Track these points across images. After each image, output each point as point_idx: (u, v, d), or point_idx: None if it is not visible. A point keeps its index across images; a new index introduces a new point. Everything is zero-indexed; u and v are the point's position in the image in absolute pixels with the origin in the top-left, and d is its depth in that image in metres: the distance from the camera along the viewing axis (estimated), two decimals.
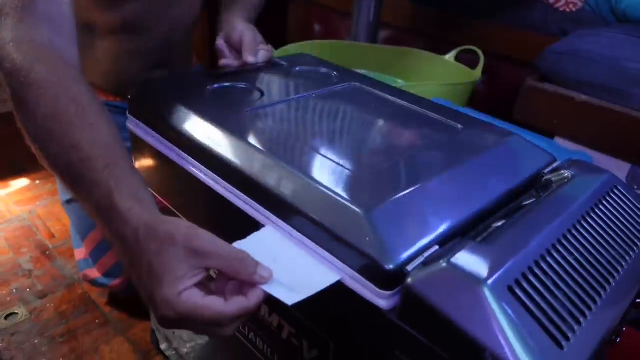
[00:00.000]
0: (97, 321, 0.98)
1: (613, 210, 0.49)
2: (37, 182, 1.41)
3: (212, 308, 0.39)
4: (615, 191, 0.52)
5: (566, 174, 0.53)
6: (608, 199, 0.50)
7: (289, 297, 0.40)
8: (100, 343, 0.93)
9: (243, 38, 0.77)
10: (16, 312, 0.98)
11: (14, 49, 0.48)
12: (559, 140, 1.05)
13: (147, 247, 0.40)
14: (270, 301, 0.44)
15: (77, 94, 0.47)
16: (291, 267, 0.44)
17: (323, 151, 0.52)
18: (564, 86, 1.04)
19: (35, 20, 0.50)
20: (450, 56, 1.37)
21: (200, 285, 0.40)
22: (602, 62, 0.99)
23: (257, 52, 0.76)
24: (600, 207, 0.49)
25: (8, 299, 1.02)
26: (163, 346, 0.88)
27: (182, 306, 0.38)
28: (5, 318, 0.97)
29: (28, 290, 1.04)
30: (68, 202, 0.94)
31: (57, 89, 0.46)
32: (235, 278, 0.41)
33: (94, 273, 0.95)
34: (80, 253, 0.98)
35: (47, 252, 1.16)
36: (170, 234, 0.40)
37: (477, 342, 0.34)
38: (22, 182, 1.41)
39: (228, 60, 0.77)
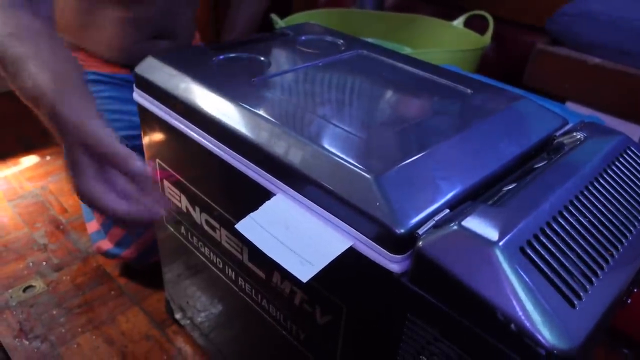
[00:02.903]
0: (112, 292, 1.00)
1: (626, 172, 0.49)
2: (48, 158, 1.43)
3: (104, 203, 0.50)
4: (629, 152, 0.51)
5: (578, 136, 0.52)
6: (621, 160, 0.50)
7: (303, 272, 0.41)
8: (116, 313, 0.95)
9: None
10: (33, 284, 1.01)
11: None
12: (570, 105, 1.04)
13: (69, 146, 0.50)
14: (283, 268, 0.44)
15: (35, 41, 0.56)
16: (303, 233, 0.44)
17: (331, 119, 0.52)
18: (575, 49, 1.02)
19: None
20: (458, 22, 1.35)
21: (120, 183, 0.52)
22: (615, 23, 0.96)
23: None
24: (613, 168, 0.48)
25: (25, 272, 1.04)
26: (178, 315, 0.89)
27: (85, 193, 0.50)
28: (24, 290, 0.99)
29: (44, 263, 1.07)
30: None
31: (19, 42, 0.55)
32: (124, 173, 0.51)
33: (106, 244, 0.97)
34: (92, 226, 0.99)
35: (61, 227, 1.17)
36: (84, 141, 0.49)
37: (489, 303, 0.34)
38: (32, 159, 1.42)
39: None
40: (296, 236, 0.44)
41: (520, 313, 0.33)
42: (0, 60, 0.55)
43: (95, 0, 0.83)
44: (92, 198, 0.50)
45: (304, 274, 0.40)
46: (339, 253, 0.42)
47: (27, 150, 1.45)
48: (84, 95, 0.54)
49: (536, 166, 0.50)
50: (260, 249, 0.43)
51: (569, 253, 0.39)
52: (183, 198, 0.66)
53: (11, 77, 0.55)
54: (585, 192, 0.44)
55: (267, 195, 0.49)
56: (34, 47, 0.55)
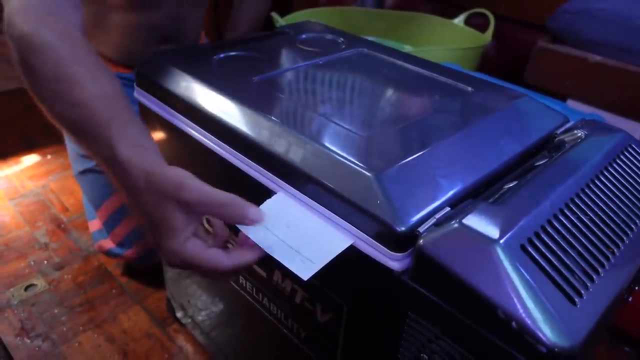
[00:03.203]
0: (113, 291, 1.00)
1: (627, 169, 0.49)
2: (49, 156, 1.43)
3: (210, 261, 0.42)
4: (630, 150, 0.51)
5: (579, 134, 0.52)
6: (622, 157, 0.50)
7: (304, 270, 0.41)
8: (117, 312, 0.96)
9: None
10: (35, 283, 1.01)
11: (21, 17, 0.49)
12: (571, 103, 1.04)
13: (146, 200, 0.42)
14: (284, 266, 0.44)
15: (79, 54, 0.49)
16: (304, 232, 0.44)
17: (332, 117, 0.52)
18: (576, 47, 1.02)
19: None
20: (459, 20, 1.34)
21: (204, 235, 0.43)
22: (616, 21, 0.96)
23: None
24: (614, 165, 0.48)
25: (26, 271, 1.04)
26: (179, 314, 0.90)
27: (184, 255, 0.42)
28: (25, 289, 0.99)
29: (45, 262, 1.07)
30: (81, 173, 0.95)
31: (60, 52, 0.47)
32: (227, 222, 0.43)
33: (108, 243, 0.97)
34: (94, 225, 0.99)
35: (62, 226, 1.18)
36: (163, 188, 0.41)
37: (489, 301, 0.34)
38: (33, 158, 1.42)
39: None
40: (297, 234, 0.44)
41: (521, 311, 0.33)
42: (32, 72, 0.47)
43: (104, 6, 0.83)
44: (193, 258, 0.42)
45: (305, 272, 0.40)
46: (340, 251, 0.42)
47: (28, 149, 1.45)
48: (140, 126, 0.46)
49: (537, 164, 0.50)
50: (261, 247, 0.43)
51: (570, 251, 0.39)
52: None
53: (47, 95, 0.47)
54: (587, 190, 0.44)
55: (268, 193, 0.49)
56: (79, 61, 0.47)
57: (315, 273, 0.40)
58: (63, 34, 0.49)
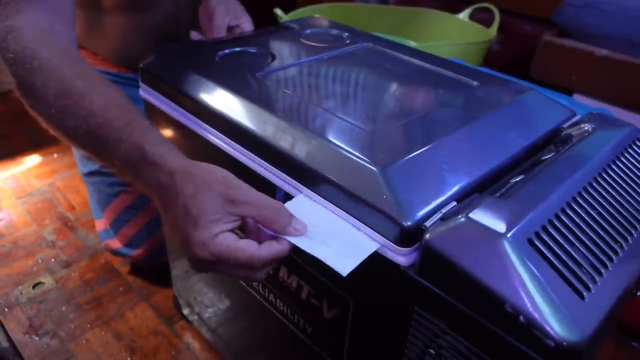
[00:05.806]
0: (120, 289, 1.01)
1: (635, 162, 0.48)
2: (55, 155, 1.43)
3: (246, 251, 0.40)
4: (638, 143, 0.51)
5: (586, 128, 0.52)
6: (630, 151, 0.49)
7: (342, 266, 0.39)
8: (124, 309, 0.96)
9: (213, 15, 0.78)
10: (42, 281, 1.01)
11: (16, 39, 0.49)
12: (578, 98, 1.03)
13: (183, 190, 0.41)
14: (289, 262, 0.44)
15: (80, 70, 0.49)
16: (330, 232, 0.43)
17: (337, 112, 0.51)
18: (582, 41, 1.01)
19: (35, 6, 0.51)
20: (463, 15, 1.34)
21: (234, 231, 0.42)
22: (623, 13, 0.95)
23: (224, 29, 0.77)
24: (622, 159, 0.48)
25: (34, 269, 1.05)
26: (185, 311, 0.90)
27: (217, 247, 0.40)
28: (33, 287, 1.00)
29: (53, 260, 1.07)
30: (87, 174, 0.95)
31: (62, 69, 0.47)
32: (269, 227, 0.42)
33: (115, 243, 0.97)
34: (101, 224, 0.99)
35: (69, 224, 1.18)
36: (205, 181, 0.41)
37: (496, 295, 0.34)
38: (40, 156, 1.43)
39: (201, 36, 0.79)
40: (324, 234, 0.43)
41: (529, 305, 0.33)
42: (33, 92, 0.46)
43: (101, 9, 0.82)
44: (224, 249, 0.40)
45: (344, 268, 0.39)
46: (372, 251, 0.41)
47: (34, 148, 1.46)
48: (156, 129, 0.46)
49: (544, 158, 0.50)
50: (296, 244, 0.42)
51: (577, 245, 0.38)
52: None
53: (55, 112, 0.46)
54: (594, 184, 0.44)
55: (273, 189, 0.49)
56: (82, 76, 0.47)
57: (354, 269, 0.39)
58: (62, 52, 0.49)
